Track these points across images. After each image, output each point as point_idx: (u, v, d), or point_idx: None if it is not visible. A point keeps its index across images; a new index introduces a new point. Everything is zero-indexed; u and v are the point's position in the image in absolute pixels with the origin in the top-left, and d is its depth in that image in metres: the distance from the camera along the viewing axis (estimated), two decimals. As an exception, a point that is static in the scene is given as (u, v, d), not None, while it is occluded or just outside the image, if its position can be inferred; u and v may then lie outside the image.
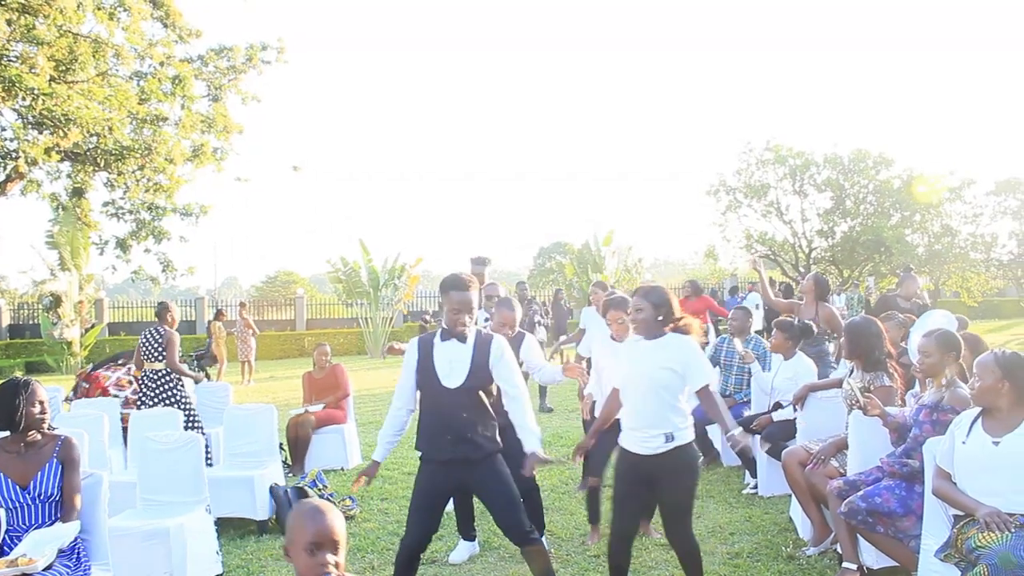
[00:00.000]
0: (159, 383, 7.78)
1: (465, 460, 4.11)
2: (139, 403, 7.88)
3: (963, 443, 3.77)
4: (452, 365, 4.14)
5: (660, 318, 4.16)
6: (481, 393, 4.19)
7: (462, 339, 4.17)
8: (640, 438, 4.10)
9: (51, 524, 3.91)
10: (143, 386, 7.88)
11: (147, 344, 7.88)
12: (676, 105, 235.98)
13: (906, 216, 25.82)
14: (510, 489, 4.15)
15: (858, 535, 4.49)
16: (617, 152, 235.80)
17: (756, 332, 8.72)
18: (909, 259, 24.08)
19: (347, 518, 6.32)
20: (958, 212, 26.33)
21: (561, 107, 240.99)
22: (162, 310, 8.08)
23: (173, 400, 7.70)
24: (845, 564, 4.54)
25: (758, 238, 27.35)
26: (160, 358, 7.81)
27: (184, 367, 8.03)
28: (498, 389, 4.25)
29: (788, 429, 6.22)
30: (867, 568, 4.52)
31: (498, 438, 4.25)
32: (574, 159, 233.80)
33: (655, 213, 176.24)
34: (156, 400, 7.70)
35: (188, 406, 7.72)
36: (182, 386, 7.87)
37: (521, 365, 5.17)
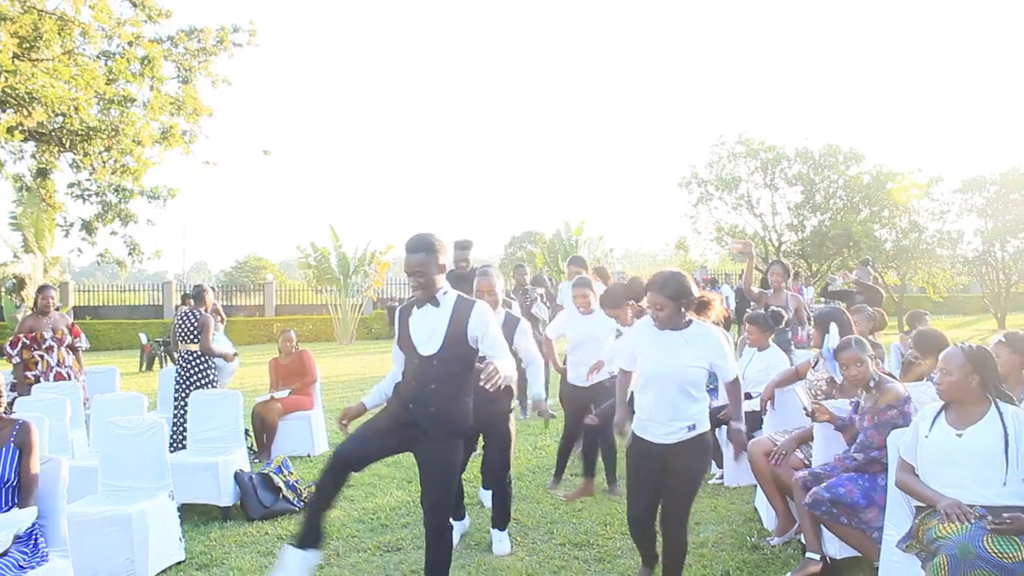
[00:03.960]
0: (194, 364, 7.97)
1: (424, 432, 3.91)
2: (177, 384, 8.00)
3: (926, 436, 3.81)
4: (430, 332, 3.95)
5: (682, 309, 4.00)
6: (458, 365, 3.96)
7: (436, 304, 3.98)
8: (663, 431, 3.99)
9: (7, 510, 3.83)
10: (179, 367, 8.05)
11: (182, 326, 8.06)
12: (650, 97, 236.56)
13: (875, 211, 26.09)
14: (451, 478, 3.95)
15: (822, 526, 4.52)
16: (590, 142, 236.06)
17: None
18: (877, 254, 24.33)
19: (313, 505, 6.27)
20: (925, 209, 26.62)
21: (535, 98, 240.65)
22: (199, 293, 8.31)
23: (206, 381, 7.91)
24: (808, 554, 4.56)
25: (728, 231, 27.58)
26: (195, 340, 8.00)
27: (216, 348, 8.11)
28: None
29: (755, 420, 6.24)
30: (830, 558, 4.54)
31: (466, 422, 4.02)
32: (547, 149, 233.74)
33: (627, 204, 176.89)
34: (191, 380, 7.91)
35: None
36: (215, 368, 8.08)
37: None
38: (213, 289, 19.94)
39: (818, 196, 26.64)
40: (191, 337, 8.01)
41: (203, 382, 7.92)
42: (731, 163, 27.49)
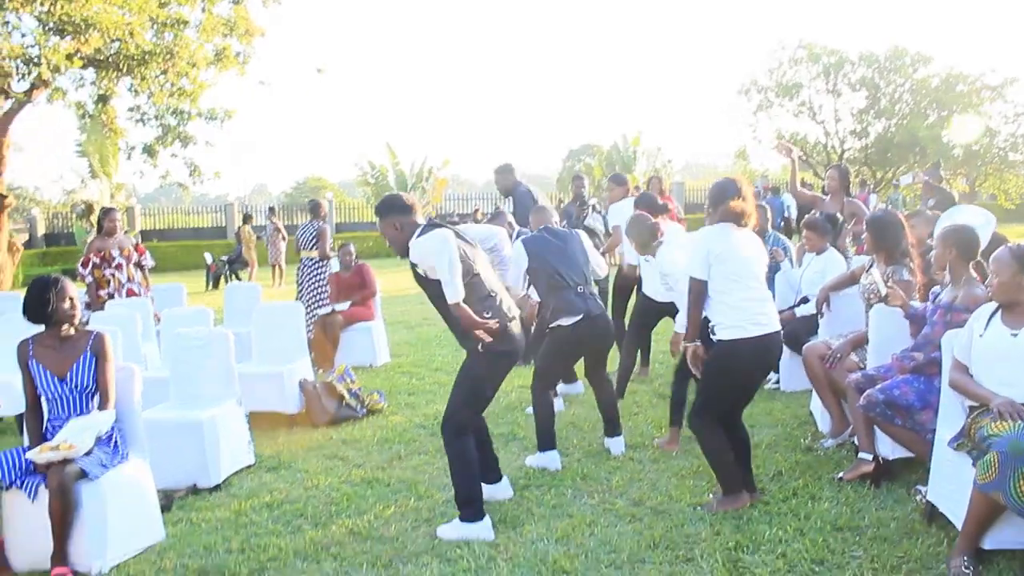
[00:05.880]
0: (313, 268, 9.12)
1: None
2: (299, 286, 9.26)
3: (980, 336, 3.78)
4: None
5: (710, 210, 4.43)
6: (430, 294, 4.22)
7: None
8: None
9: (88, 413, 4.07)
10: (300, 272, 9.25)
11: (303, 235, 9.22)
12: (707, 2, 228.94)
13: (944, 116, 25.13)
14: (462, 384, 4.35)
15: (875, 427, 4.54)
16: (647, 51, 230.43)
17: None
18: (945, 160, 23.55)
19: (375, 411, 6.49)
20: (998, 111, 25.54)
21: (591, 7, 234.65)
22: (315, 206, 9.61)
23: (321, 286, 9.01)
24: (861, 455, 4.60)
25: (789, 138, 26.90)
26: (314, 247, 9.10)
27: (332, 253, 9.22)
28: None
29: (811, 324, 6.22)
30: (883, 458, 4.57)
31: (469, 341, 4.20)
32: (604, 59, 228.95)
33: (686, 114, 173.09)
34: (311, 282, 9.08)
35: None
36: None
37: None
38: (272, 210, 20.37)
39: (883, 101, 25.75)
40: (311, 244, 9.09)
41: (319, 287, 8.95)
42: (792, 69, 26.68)
